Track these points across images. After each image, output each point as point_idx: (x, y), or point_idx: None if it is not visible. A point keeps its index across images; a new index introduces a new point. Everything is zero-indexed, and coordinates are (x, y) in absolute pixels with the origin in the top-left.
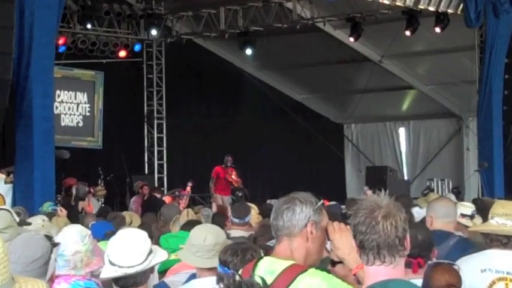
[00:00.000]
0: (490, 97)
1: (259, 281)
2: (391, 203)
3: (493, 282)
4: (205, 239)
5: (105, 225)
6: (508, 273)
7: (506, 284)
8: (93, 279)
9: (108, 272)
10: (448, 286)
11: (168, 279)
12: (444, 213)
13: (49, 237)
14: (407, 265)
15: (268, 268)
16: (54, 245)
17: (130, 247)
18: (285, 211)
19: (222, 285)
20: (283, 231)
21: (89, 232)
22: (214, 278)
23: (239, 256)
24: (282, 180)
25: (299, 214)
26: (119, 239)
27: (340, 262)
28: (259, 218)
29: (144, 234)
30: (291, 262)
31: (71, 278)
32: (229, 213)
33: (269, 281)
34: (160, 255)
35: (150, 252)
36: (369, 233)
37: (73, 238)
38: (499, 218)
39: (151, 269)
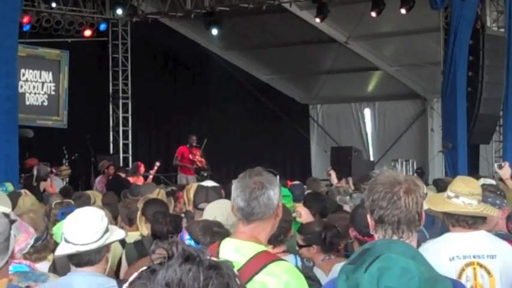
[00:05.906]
0: (454, 79)
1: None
2: (409, 178)
3: (462, 270)
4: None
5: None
6: (474, 257)
7: (474, 269)
8: (23, 262)
9: (62, 249)
10: None
11: None
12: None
13: (6, 215)
14: (362, 243)
15: (236, 249)
16: (12, 221)
17: (85, 225)
18: (260, 197)
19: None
20: (257, 216)
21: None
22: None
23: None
24: (248, 160)
25: (273, 197)
26: (75, 217)
27: (306, 245)
28: None
29: (101, 212)
30: (261, 247)
31: None
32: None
33: (238, 261)
34: (118, 234)
35: (107, 230)
36: (390, 208)
37: None
38: (465, 198)
39: (107, 248)
